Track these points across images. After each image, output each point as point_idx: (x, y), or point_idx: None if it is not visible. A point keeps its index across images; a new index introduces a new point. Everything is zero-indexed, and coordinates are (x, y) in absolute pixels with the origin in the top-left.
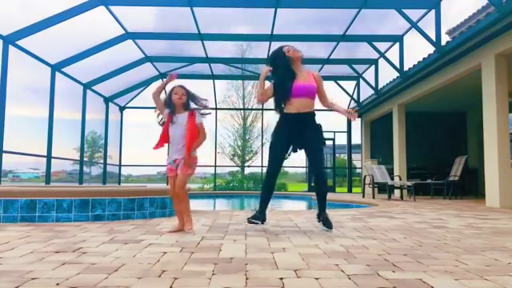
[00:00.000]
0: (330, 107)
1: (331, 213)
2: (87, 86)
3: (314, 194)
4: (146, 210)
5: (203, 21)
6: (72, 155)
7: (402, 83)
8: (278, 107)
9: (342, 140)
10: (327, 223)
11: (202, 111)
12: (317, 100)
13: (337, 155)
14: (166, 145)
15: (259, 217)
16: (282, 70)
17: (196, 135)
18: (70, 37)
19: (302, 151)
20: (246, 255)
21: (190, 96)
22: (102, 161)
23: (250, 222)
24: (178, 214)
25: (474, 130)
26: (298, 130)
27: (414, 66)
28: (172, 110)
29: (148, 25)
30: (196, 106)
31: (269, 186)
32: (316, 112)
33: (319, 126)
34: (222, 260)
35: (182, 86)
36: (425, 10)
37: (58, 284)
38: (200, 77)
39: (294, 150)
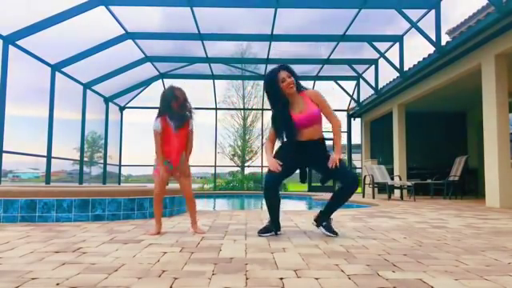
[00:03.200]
0: (333, 136)
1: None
2: (87, 86)
3: (313, 194)
4: (145, 210)
5: (203, 21)
6: (72, 155)
7: (402, 83)
8: (281, 138)
9: (341, 140)
10: (329, 229)
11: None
12: None
13: None
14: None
15: (271, 229)
16: (277, 101)
17: (185, 141)
18: (70, 37)
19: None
20: (245, 255)
21: (187, 99)
22: (101, 161)
23: (260, 235)
24: (158, 216)
25: (474, 130)
26: (308, 154)
27: (414, 65)
28: (170, 115)
29: (148, 25)
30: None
31: (271, 197)
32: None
33: (329, 153)
34: (222, 260)
35: (181, 90)
36: (425, 10)
37: (58, 284)
38: (200, 77)
39: (303, 178)
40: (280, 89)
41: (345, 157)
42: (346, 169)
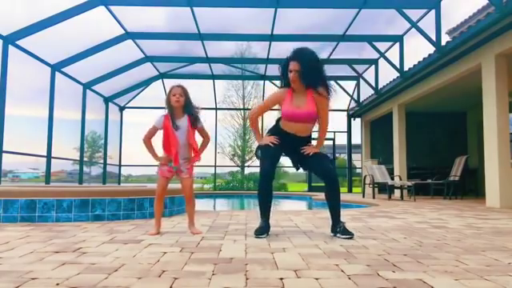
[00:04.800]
0: (319, 133)
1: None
2: (87, 86)
3: (313, 194)
4: (145, 210)
5: (203, 21)
6: (72, 155)
7: (402, 83)
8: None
9: (342, 140)
10: (345, 232)
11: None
12: None
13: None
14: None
15: (266, 227)
16: (284, 79)
17: (193, 138)
18: (70, 37)
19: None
20: (245, 255)
21: (188, 99)
22: (101, 161)
23: (257, 236)
24: (158, 216)
25: (474, 130)
26: (293, 146)
27: (414, 65)
28: (172, 113)
29: (148, 25)
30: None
31: (266, 191)
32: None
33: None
34: (222, 260)
35: (180, 86)
36: (425, 10)
37: (57, 284)
38: (200, 77)
39: (295, 167)
40: (287, 74)
41: (344, 157)
42: (326, 165)
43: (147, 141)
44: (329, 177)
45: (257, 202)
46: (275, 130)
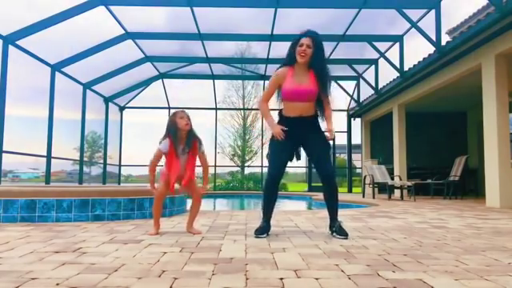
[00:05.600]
0: (324, 111)
1: None
2: (87, 86)
3: (313, 194)
4: (145, 210)
5: (203, 21)
6: (72, 155)
7: (402, 83)
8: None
9: (342, 140)
10: (341, 231)
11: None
12: None
13: (337, 155)
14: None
15: (266, 227)
16: (288, 57)
17: (193, 165)
18: (70, 37)
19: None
20: (245, 255)
21: (191, 126)
22: (101, 161)
23: (257, 236)
24: (157, 217)
25: (474, 130)
26: (301, 134)
27: (414, 65)
28: (174, 135)
29: (148, 25)
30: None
31: (272, 191)
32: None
33: (323, 132)
34: (222, 260)
35: (184, 111)
36: (425, 10)
37: (57, 284)
38: (200, 77)
39: (298, 156)
40: (294, 51)
41: (344, 157)
42: (326, 162)
43: (153, 168)
44: (327, 175)
45: (257, 201)
46: (281, 122)
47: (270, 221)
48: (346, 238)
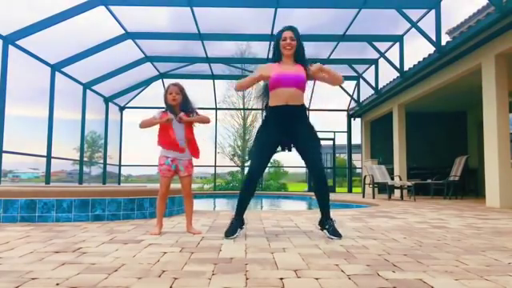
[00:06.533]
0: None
1: (332, 213)
2: (87, 86)
3: (313, 194)
4: (145, 210)
5: (203, 21)
6: (72, 155)
7: (402, 83)
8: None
9: (342, 140)
10: (335, 232)
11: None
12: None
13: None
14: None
15: (237, 226)
16: (274, 55)
17: (192, 133)
18: (70, 37)
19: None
20: (245, 255)
21: (185, 96)
22: (101, 161)
23: (229, 238)
24: (160, 217)
25: (474, 130)
26: (288, 125)
27: (414, 65)
28: (170, 111)
29: (148, 25)
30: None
31: (249, 189)
32: (311, 112)
33: (312, 126)
34: (222, 260)
35: (176, 84)
36: (425, 10)
37: (57, 284)
38: (200, 77)
39: (287, 149)
40: (278, 48)
41: (344, 157)
42: (319, 161)
43: (144, 122)
44: (320, 174)
45: (257, 202)
46: (267, 118)
47: (243, 215)
48: (340, 239)
